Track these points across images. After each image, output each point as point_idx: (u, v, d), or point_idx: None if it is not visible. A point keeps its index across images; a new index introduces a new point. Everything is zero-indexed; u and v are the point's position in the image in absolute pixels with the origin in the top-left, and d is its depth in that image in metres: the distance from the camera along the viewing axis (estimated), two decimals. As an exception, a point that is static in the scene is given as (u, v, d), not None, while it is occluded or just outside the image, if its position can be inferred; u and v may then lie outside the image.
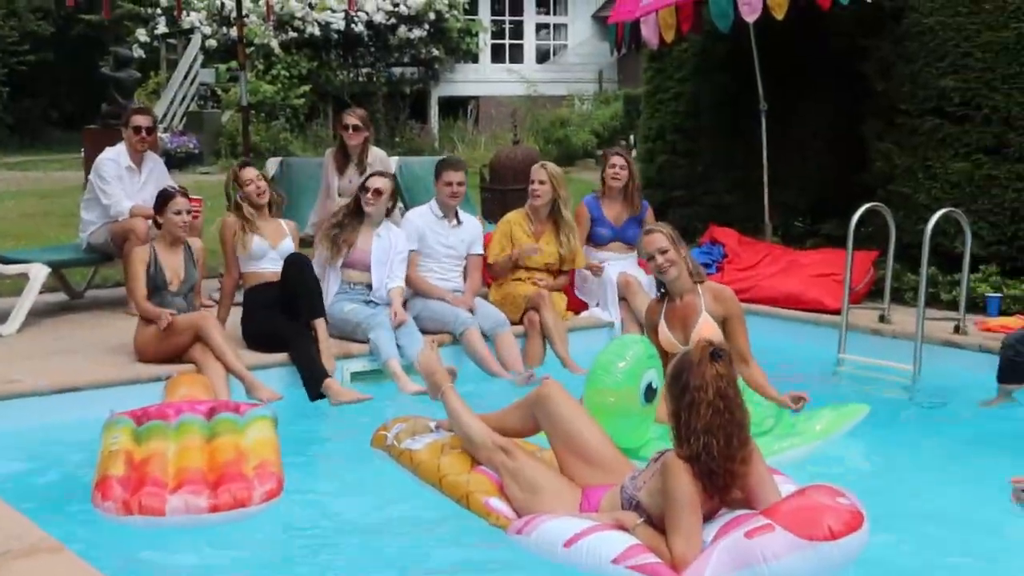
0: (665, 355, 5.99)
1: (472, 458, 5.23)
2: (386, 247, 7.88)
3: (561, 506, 4.72)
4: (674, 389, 4.40)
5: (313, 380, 7.08)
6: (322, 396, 7.06)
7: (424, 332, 7.65)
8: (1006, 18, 8.82)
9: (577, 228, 8.48)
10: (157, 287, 7.27)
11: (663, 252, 6.11)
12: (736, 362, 5.85)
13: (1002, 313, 8.40)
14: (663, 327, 6.18)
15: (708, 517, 4.36)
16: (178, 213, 7.37)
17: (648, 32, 9.85)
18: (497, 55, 27.19)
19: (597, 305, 8.57)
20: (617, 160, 8.68)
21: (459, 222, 8.32)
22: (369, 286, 7.86)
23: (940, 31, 9.17)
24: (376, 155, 9.12)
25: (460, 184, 8.16)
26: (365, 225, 7.90)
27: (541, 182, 8.31)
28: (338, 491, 5.66)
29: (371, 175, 8.09)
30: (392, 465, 5.55)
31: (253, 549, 4.96)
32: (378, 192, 7.87)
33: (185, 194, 7.56)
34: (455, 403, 5.41)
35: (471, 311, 7.91)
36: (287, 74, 22.91)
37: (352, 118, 8.99)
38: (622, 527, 4.43)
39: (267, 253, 7.65)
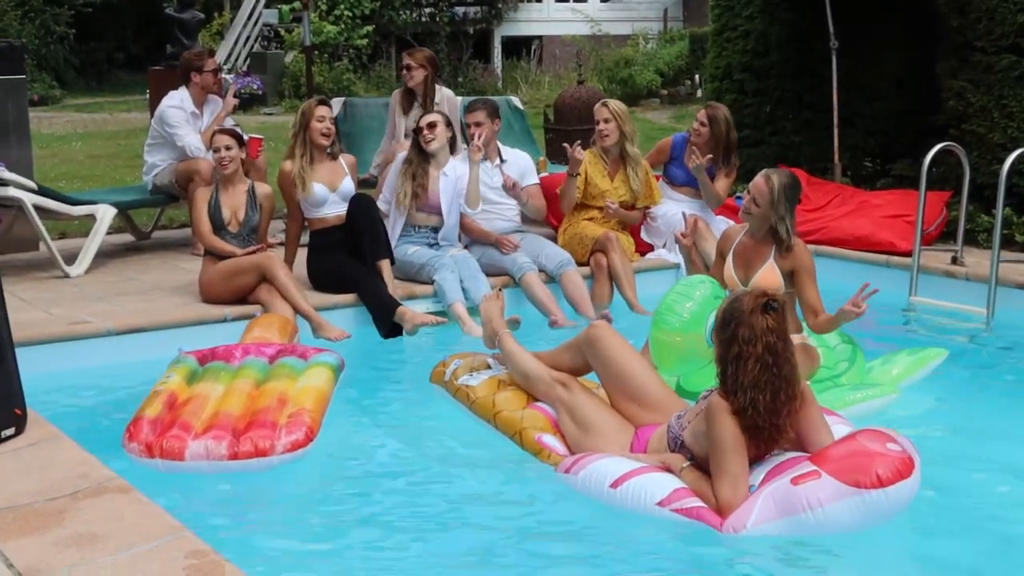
0: (724, 287, 5.94)
1: (528, 395, 5.24)
2: (453, 184, 7.81)
3: (613, 444, 4.71)
4: (722, 336, 4.31)
5: (384, 311, 7.06)
6: (394, 332, 7.04)
7: (487, 275, 7.61)
8: (1088, -49, 8.55)
9: (644, 162, 8.37)
10: (215, 227, 7.28)
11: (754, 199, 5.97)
12: (806, 314, 5.79)
13: (1078, 254, 8.21)
14: (729, 260, 6.07)
15: (756, 460, 4.31)
16: (217, 151, 7.34)
17: (716, -32, 9.66)
18: (561, -6, 26.93)
19: (664, 246, 8.48)
20: (602, 113, 8.27)
21: (502, 160, 8.24)
22: (435, 229, 7.82)
23: (1019, -34, 8.90)
24: (444, 95, 9.06)
25: (478, 125, 8.03)
26: (432, 166, 7.83)
27: (606, 120, 8.19)
28: (393, 434, 5.63)
29: (423, 115, 8.02)
30: (452, 406, 5.55)
31: (311, 490, 4.94)
32: (432, 126, 7.79)
33: (234, 135, 7.47)
34: (511, 346, 5.42)
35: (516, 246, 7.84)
36: (350, 14, 22.83)
37: (408, 58, 8.96)
38: (669, 469, 4.41)
39: (328, 198, 7.58)
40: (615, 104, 8.30)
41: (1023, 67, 8.93)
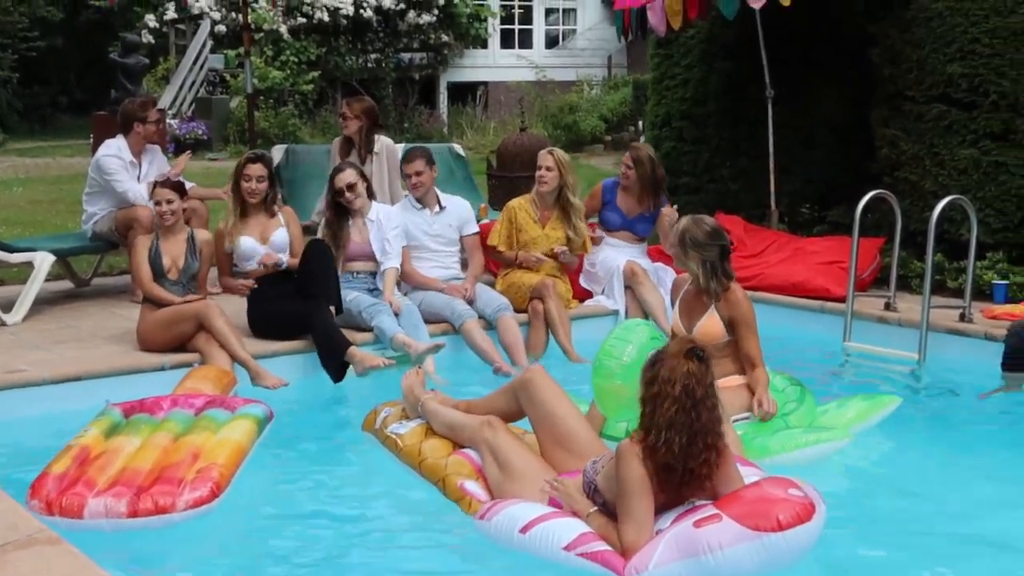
0: (673, 336, 6.01)
1: (455, 443, 5.29)
2: (381, 229, 7.87)
3: (534, 489, 4.75)
4: (646, 375, 4.37)
5: (335, 351, 7.07)
6: (343, 372, 7.05)
7: (424, 323, 7.65)
8: (1013, 3, 8.76)
9: (583, 210, 8.46)
10: (155, 275, 7.28)
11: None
12: (744, 365, 5.88)
13: (1008, 300, 8.37)
14: (676, 309, 6.16)
15: (669, 506, 4.36)
16: (158, 204, 7.36)
17: (655, 19, 9.80)
18: (506, 40, 27.08)
19: (603, 293, 8.55)
20: (546, 160, 8.36)
21: (441, 208, 8.30)
22: (372, 274, 7.87)
23: (948, 16, 9.11)
24: (383, 144, 9.12)
25: (418, 174, 8.11)
26: (354, 220, 7.88)
27: (548, 168, 8.26)
28: (320, 483, 5.62)
29: (333, 174, 8.03)
30: (380, 454, 5.60)
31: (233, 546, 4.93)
32: (351, 187, 7.84)
33: (176, 187, 7.47)
34: (434, 407, 5.52)
35: (470, 301, 7.89)
36: (296, 60, 22.86)
37: (345, 108, 9.07)
38: (577, 514, 4.47)
39: (257, 251, 7.62)
40: (560, 153, 8.38)
41: (953, 116, 9.13)
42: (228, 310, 7.29)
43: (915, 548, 4.82)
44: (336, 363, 7.06)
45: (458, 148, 11.47)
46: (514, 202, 8.47)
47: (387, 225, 7.90)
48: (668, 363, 4.28)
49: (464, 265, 8.46)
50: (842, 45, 10.42)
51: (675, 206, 8.47)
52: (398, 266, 7.90)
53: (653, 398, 4.28)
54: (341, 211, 7.87)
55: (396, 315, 7.50)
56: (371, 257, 7.84)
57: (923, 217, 8.19)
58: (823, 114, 10.77)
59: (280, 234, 7.72)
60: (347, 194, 7.82)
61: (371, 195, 8.03)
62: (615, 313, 8.35)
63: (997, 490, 5.57)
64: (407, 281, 8.06)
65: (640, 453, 4.25)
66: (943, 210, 7.84)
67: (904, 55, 9.48)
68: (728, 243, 6.04)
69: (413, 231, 8.12)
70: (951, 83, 9.13)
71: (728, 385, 5.86)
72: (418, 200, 8.20)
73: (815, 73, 10.72)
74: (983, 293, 8.54)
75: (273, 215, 7.80)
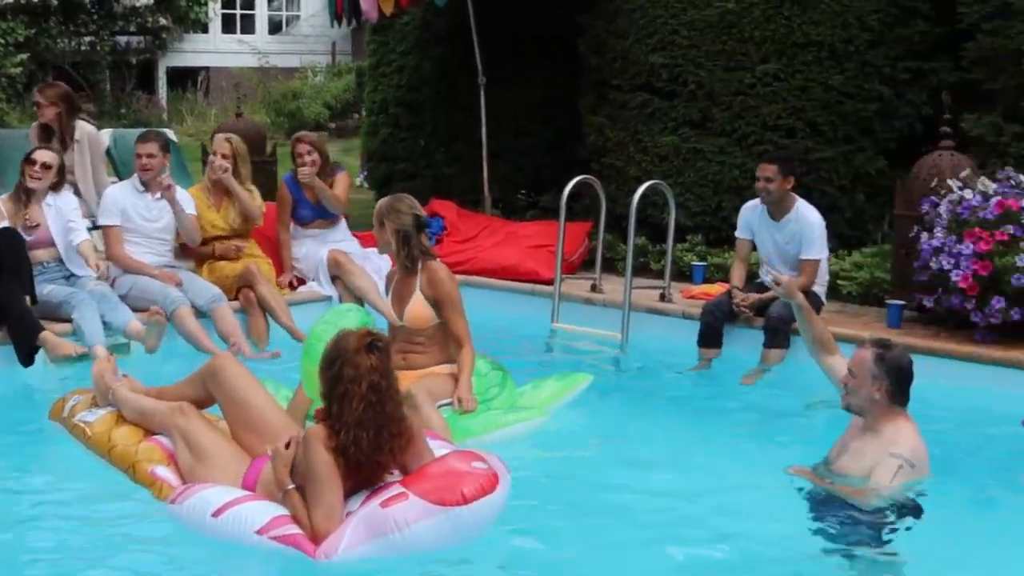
0: (391, 328, 6.05)
1: (146, 431, 5.17)
2: (60, 213, 7.58)
3: (226, 473, 4.71)
4: (327, 374, 4.35)
5: (27, 334, 6.79)
6: (33, 356, 6.79)
7: (135, 311, 7.42)
8: (709, -3, 9.20)
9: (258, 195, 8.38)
10: None
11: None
12: (453, 345, 5.94)
13: (706, 281, 8.75)
14: (389, 297, 6.18)
15: (359, 488, 4.38)
16: None
17: (367, 5, 9.80)
18: (228, 25, 26.59)
19: (314, 280, 8.49)
20: (303, 148, 8.42)
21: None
22: (60, 260, 7.57)
23: (649, 8, 9.48)
24: (84, 131, 8.78)
25: (151, 156, 7.90)
26: (33, 202, 7.57)
27: (224, 155, 8.19)
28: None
29: (35, 148, 7.76)
30: (70, 443, 5.43)
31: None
32: (46, 166, 7.54)
33: None
34: (124, 393, 5.36)
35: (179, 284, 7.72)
36: (2, 41, 21.80)
37: (39, 95, 8.75)
38: (278, 487, 4.45)
39: None
40: (236, 141, 8.31)
41: (655, 105, 9.51)
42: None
43: (607, 513, 4.99)
44: (27, 347, 6.80)
45: (170, 134, 11.18)
46: (190, 190, 8.34)
47: (68, 207, 7.61)
48: (351, 361, 4.27)
49: (177, 254, 8.26)
50: (552, 35, 10.68)
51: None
52: (89, 237, 7.63)
53: (340, 397, 4.27)
54: (26, 189, 7.54)
55: (102, 280, 7.28)
56: (51, 243, 7.53)
57: (628, 202, 8.45)
58: (534, 101, 11.02)
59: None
60: (37, 170, 7.47)
61: (56, 188, 7.69)
62: (328, 299, 8.31)
63: (682, 453, 5.85)
64: (118, 265, 7.80)
65: (326, 440, 4.26)
66: (647, 195, 8.15)
67: (609, 45, 9.80)
68: (424, 216, 6.08)
69: (131, 214, 7.86)
70: (653, 73, 9.50)
71: (437, 372, 5.93)
72: (143, 183, 7.95)
73: (527, 61, 10.95)
74: (684, 274, 8.92)
75: None
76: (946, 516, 4.78)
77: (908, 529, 4.65)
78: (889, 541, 4.57)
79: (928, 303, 7.17)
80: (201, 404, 5.12)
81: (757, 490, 5.29)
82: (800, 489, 4.99)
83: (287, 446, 4.43)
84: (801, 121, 8.98)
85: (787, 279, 6.04)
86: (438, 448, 4.65)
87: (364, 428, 4.23)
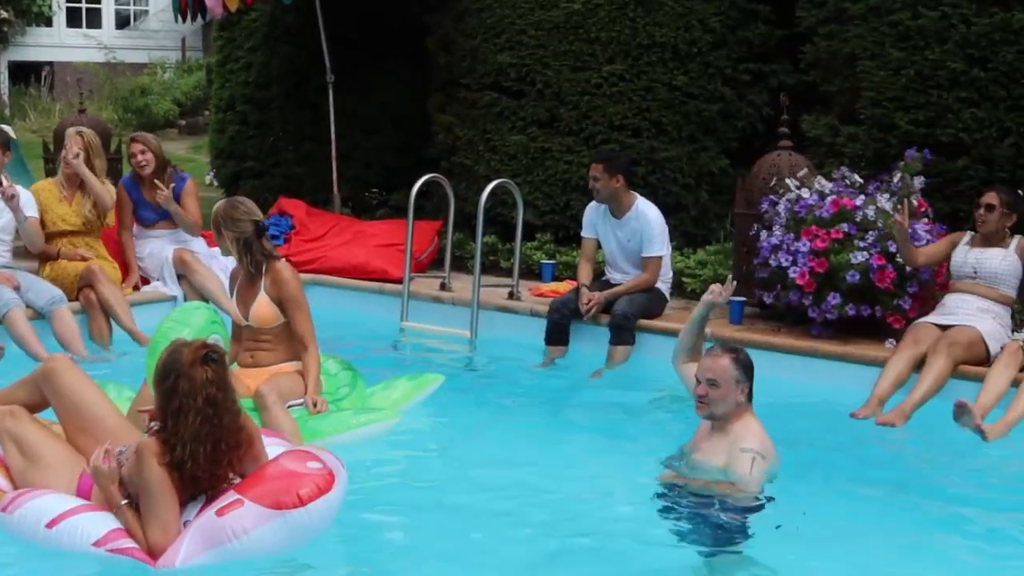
0: (236, 326, 6.00)
1: None
2: None
3: (60, 478, 4.58)
4: (161, 388, 4.26)
5: None
6: None
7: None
8: (555, -3, 9.29)
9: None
10: None
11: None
12: (299, 345, 5.89)
13: (555, 279, 8.83)
14: (234, 296, 6.10)
15: (197, 496, 4.33)
16: None
17: (211, 1, 9.66)
18: (73, 19, 25.91)
19: (159, 279, 8.34)
20: (136, 147, 8.25)
21: None
22: None
23: (497, 8, 9.53)
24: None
25: None
26: None
27: (75, 154, 8.02)
28: None
29: None
30: None
31: None
32: None
33: None
34: None
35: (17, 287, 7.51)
36: None
37: None
38: (108, 507, 4.37)
39: None
40: (89, 135, 8.16)
41: (503, 104, 9.56)
42: None
43: (460, 511, 5.02)
44: None
45: (9, 130, 10.85)
46: (38, 184, 8.22)
47: None
48: (186, 375, 4.17)
49: (15, 254, 8.04)
50: (401, 33, 10.67)
51: None
52: None
53: (176, 412, 4.18)
54: None
55: None
56: None
57: (477, 200, 8.51)
58: (384, 100, 11.00)
59: None
60: None
61: None
62: (174, 299, 8.17)
63: (533, 449, 5.92)
64: (-52, 266, 7.58)
65: (160, 454, 4.17)
66: (496, 193, 8.21)
67: (457, 44, 9.82)
68: (262, 221, 6.02)
69: None
70: (501, 72, 9.56)
71: (285, 371, 5.88)
72: None
73: (376, 60, 10.91)
74: (533, 272, 8.99)
75: None
76: (791, 506, 4.89)
77: (751, 521, 4.75)
78: (740, 535, 4.66)
79: (768, 299, 7.35)
80: (34, 408, 4.98)
81: (608, 483, 5.38)
82: (655, 486, 5.06)
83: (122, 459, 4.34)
84: (646, 121, 9.12)
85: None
86: (273, 447, 4.60)
87: (201, 442, 4.16)
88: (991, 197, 6.66)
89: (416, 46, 10.34)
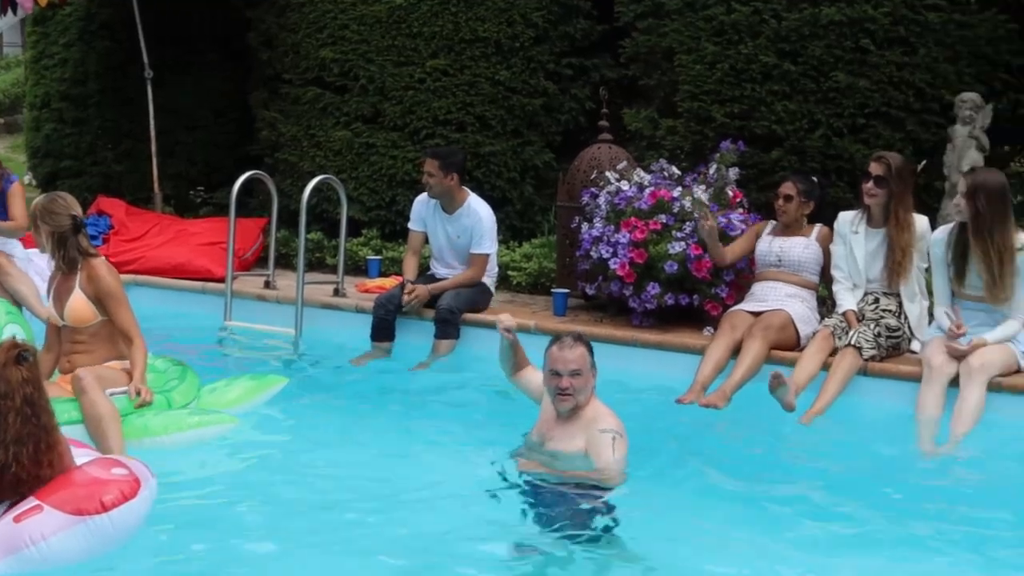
0: (53, 328, 5.83)
1: None
2: None
3: None
4: None
5: None
6: None
7: None
8: (378, -9, 9.26)
9: None
10: None
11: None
12: (123, 339, 5.72)
13: (382, 274, 8.79)
14: (51, 297, 5.90)
15: (16, 501, 4.18)
16: None
17: (21, -6, 9.37)
18: None
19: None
20: None
21: None
22: None
23: (319, 3, 9.47)
24: None
25: None
26: None
27: None
28: None
29: None
30: None
31: None
32: None
33: None
34: None
35: None
36: None
37: None
38: None
39: None
40: None
41: (327, 99, 9.49)
42: None
43: (299, 511, 4.92)
44: None
45: None
46: None
47: None
48: (1, 377, 4.06)
49: None
50: (223, 28, 10.50)
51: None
52: None
53: None
54: None
55: None
56: None
57: (302, 197, 8.42)
58: (206, 96, 10.82)
59: None
60: None
61: None
62: (-16, 302, 7.89)
63: (361, 444, 5.85)
64: None
65: None
66: (321, 190, 8.15)
67: (280, 39, 9.73)
68: (80, 217, 5.85)
69: None
70: (324, 67, 9.49)
71: (112, 367, 5.72)
72: None
73: (197, 55, 10.73)
74: (360, 268, 8.94)
75: None
76: (634, 493, 4.95)
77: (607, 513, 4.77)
78: (590, 525, 4.68)
79: (590, 291, 7.43)
80: None
81: (444, 475, 5.36)
82: (499, 475, 5.07)
83: None
84: (471, 115, 9.15)
85: None
86: (80, 456, 4.48)
87: (23, 444, 4.05)
88: (788, 187, 6.88)
89: (238, 41, 10.19)
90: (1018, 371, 6.05)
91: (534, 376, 5.52)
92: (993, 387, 5.88)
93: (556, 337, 5.20)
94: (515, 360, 5.68)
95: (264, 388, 6.34)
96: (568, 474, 4.94)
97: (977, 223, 5.98)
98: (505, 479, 5.04)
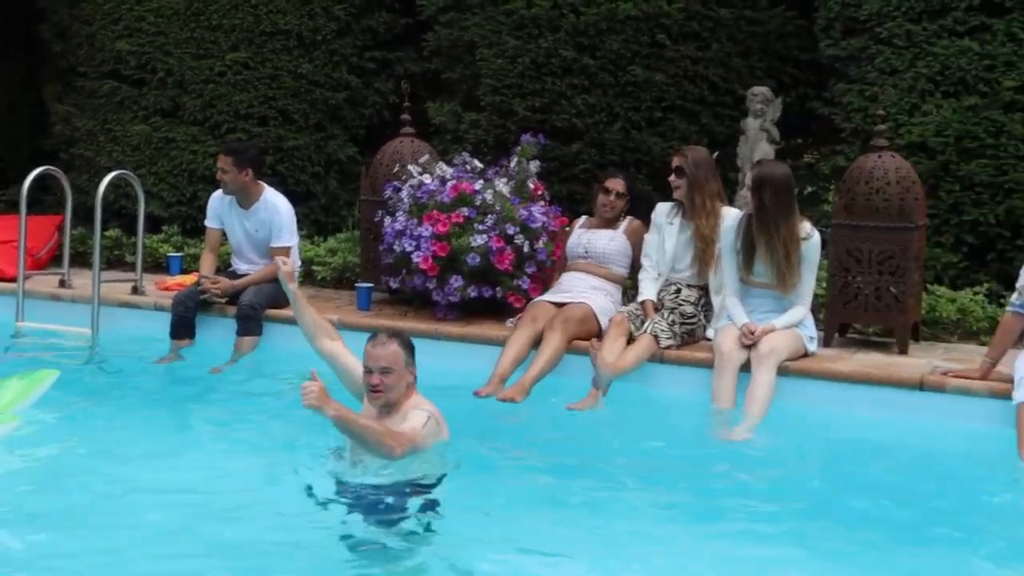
0: None
1: None
2: None
3: None
4: None
5: None
6: None
7: None
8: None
9: None
10: None
11: None
12: None
13: (183, 271, 8.60)
14: None
15: None
16: None
17: None
18: None
19: None
20: None
21: None
22: None
23: (111, -6, 9.23)
24: None
25: None
26: None
27: None
28: None
29: None
30: None
31: None
32: None
33: None
34: None
35: None
36: None
37: None
38: None
39: None
40: None
41: (124, 93, 9.26)
42: None
43: (94, 516, 4.75)
44: None
45: None
46: None
47: None
48: None
49: None
50: (12, 18, 10.14)
51: None
52: None
53: None
54: None
55: None
56: None
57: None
58: (-2, 90, 10.46)
59: None
60: None
61: None
62: None
63: (162, 444, 5.73)
64: None
65: None
66: (120, 185, 7.96)
67: (74, 31, 9.47)
68: None
69: None
70: (121, 60, 9.26)
71: None
72: None
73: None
74: (161, 266, 8.75)
75: None
76: (477, 483, 5.00)
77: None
78: (412, 514, 4.67)
79: (394, 284, 7.41)
80: None
81: (248, 478, 5.22)
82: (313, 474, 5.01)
83: None
84: (273, 109, 9.06)
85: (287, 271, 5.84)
86: None
87: None
88: (618, 184, 6.99)
89: (29, 32, 9.86)
90: (805, 355, 6.27)
91: (347, 359, 5.39)
92: (781, 371, 6.08)
93: (373, 334, 5.16)
94: (305, 317, 5.54)
95: (36, 384, 6.11)
96: (369, 431, 4.78)
97: (762, 216, 6.15)
98: (314, 483, 4.93)
